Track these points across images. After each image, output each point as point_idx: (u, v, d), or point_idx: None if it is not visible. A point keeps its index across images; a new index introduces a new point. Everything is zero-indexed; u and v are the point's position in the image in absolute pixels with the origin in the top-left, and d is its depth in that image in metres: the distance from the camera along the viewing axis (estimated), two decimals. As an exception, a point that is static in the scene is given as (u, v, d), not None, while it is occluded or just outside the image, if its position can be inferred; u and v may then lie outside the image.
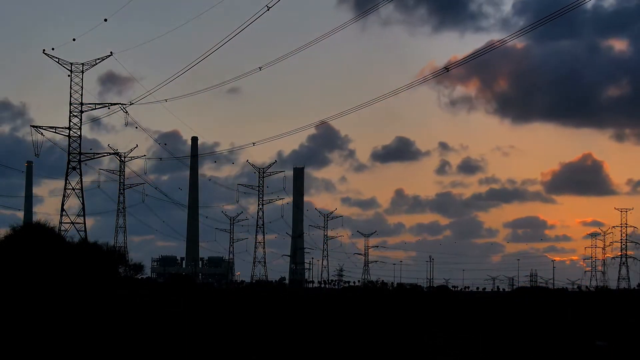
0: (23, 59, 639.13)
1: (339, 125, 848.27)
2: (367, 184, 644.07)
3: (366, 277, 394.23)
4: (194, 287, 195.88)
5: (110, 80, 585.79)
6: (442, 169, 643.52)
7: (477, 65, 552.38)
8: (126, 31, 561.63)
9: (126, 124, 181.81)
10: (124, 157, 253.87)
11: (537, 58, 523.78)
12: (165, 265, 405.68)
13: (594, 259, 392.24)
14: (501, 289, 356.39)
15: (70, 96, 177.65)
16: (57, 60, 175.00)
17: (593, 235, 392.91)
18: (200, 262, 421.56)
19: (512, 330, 75.02)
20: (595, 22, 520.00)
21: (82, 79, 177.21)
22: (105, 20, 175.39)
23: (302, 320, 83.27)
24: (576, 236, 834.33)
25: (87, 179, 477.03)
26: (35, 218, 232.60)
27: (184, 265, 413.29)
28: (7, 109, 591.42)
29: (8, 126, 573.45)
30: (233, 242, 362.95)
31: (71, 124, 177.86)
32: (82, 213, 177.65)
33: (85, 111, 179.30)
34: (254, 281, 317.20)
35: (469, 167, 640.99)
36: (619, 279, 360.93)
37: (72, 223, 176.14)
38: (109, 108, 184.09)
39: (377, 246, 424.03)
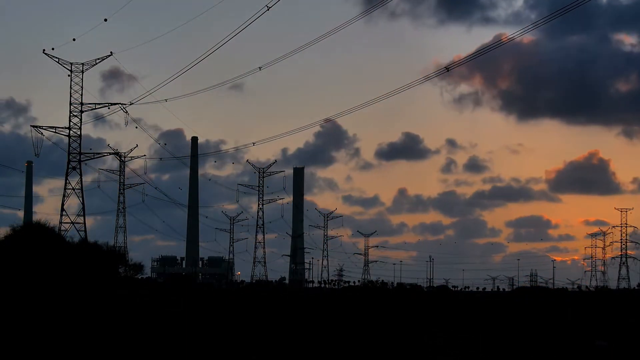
0: (24, 58, 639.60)
1: (343, 122, 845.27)
2: (370, 182, 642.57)
3: (366, 277, 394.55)
4: (194, 287, 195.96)
5: (110, 80, 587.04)
6: (446, 167, 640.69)
7: (483, 60, 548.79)
8: (126, 31, 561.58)
9: (126, 124, 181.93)
10: (124, 157, 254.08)
11: (544, 53, 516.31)
12: (165, 265, 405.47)
13: (594, 259, 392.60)
14: (501, 289, 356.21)
15: (70, 96, 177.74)
16: (57, 60, 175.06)
17: (593, 235, 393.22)
18: (200, 262, 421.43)
19: (512, 330, 74.99)
20: (603, 16, 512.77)
21: (82, 79, 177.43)
22: (105, 20, 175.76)
23: (302, 320, 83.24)
24: (580, 236, 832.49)
25: (87, 179, 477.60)
26: (35, 218, 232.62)
27: (184, 265, 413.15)
28: (7, 109, 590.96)
29: (9, 125, 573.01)
30: (233, 242, 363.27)
31: (71, 123, 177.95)
32: (82, 213, 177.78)
33: (86, 111, 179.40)
34: (254, 281, 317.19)
35: (473, 165, 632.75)
36: (619, 279, 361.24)
37: (72, 223, 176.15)
38: (109, 108, 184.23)
39: (377, 246, 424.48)
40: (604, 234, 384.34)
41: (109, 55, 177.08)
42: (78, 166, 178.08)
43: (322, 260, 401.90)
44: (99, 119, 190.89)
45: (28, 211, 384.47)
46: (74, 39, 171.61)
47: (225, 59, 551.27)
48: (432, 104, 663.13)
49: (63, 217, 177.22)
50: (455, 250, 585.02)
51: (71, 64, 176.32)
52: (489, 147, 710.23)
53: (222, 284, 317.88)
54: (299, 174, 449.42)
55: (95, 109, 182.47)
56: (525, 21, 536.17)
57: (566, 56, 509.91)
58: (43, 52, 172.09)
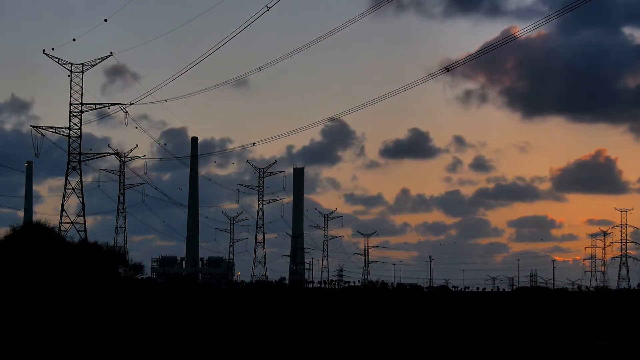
0: (24, 58, 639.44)
1: (347, 120, 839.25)
2: (373, 181, 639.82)
3: (366, 277, 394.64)
4: (194, 288, 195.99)
5: (110, 80, 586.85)
6: (449, 165, 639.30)
7: (487, 57, 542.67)
8: (126, 31, 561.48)
9: (126, 124, 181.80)
10: (124, 157, 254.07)
11: (549, 49, 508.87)
12: (165, 266, 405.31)
13: (596, 259, 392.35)
14: (501, 289, 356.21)
15: (70, 96, 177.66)
16: (57, 60, 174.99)
17: (593, 235, 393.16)
18: (200, 262, 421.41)
19: (512, 330, 74.99)
20: (610, 11, 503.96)
21: (82, 79, 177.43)
22: (106, 20, 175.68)
23: (302, 320, 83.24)
24: (583, 235, 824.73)
25: (87, 179, 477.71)
26: (35, 218, 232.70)
27: (184, 266, 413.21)
28: (8, 108, 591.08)
29: (10, 125, 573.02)
30: (233, 242, 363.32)
31: (71, 124, 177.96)
32: (82, 213, 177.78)
33: (86, 111, 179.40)
34: (254, 281, 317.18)
35: (476, 164, 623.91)
36: (619, 279, 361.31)
37: (72, 223, 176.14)
38: (109, 108, 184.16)
39: (377, 246, 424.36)
40: (605, 234, 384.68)
41: (109, 56, 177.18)
42: (78, 166, 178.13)
43: (322, 260, 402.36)
44: (104, 117, 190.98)
45: (28, 211, 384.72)
46: (74, 39, 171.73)
47: (227, 58, 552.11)
48: (436, 101, 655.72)
49: (63, 217, 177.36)
50: (456, 250, 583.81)
51: (71, 64, 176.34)
52: (495, 145, 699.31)
53: (222, 284, 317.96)
54: (299, 174, 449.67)
55: (95, 109, 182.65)
56: (533, 15, 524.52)
57: (573, 52, 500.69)
58: (43, 52, 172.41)
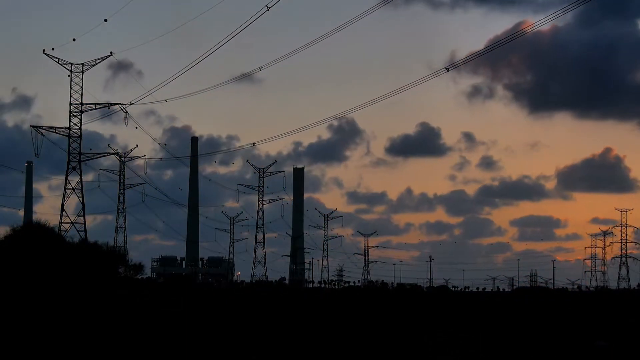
0: (24, 58, 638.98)
1: (351, 117, 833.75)
2: (378, 179, 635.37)
3: (366, 277, 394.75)
4: (194, 287, 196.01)
5: (110, 80, 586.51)
6: (455, 164, 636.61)
7: (494, 53, 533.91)
8: (126, 31, 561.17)
9: (126, 124, 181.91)
10: (124, 157, 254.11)
11: (558, 45, 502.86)
12: (165, 266, 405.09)
13: (597, 259, 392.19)
14: (501, 289, 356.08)
15: (70, 96, 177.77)
16: (57, 60, 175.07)
17: (594, 235, 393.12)
18: (200, 262, 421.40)
19: (512, 330, 74.98)
20: (621, 6, 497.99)
21: (82, 79, 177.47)
22: (106, 20, 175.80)
23: (302, 320, 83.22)
24: (587, 235, 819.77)
25: (88, 178, 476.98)
26: (35, 217, 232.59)
27: (184, 266, 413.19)
28: (8, 108, 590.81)
29: (10, 125, 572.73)
30: (233, 242, 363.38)
31: (71, 123, 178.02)
32: (82, 213, 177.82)
33: (86, 111, 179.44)
34: (254, 281, 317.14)
35: (483, 163, 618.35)
36: (619, 279, 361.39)
37: (72, 223, 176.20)
38: (109, 108, 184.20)
39: (377, 246, 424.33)
40: (605, 233, 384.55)
41: (109, 56, 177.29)
42: (78, 166, 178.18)
43: (322, 260, 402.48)
44: (106, 115, 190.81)
45: (28, 211, 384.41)
46: (74, 39, 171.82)
47: (228, 57, 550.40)
48: (437, 100, 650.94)
49: (63, 217, 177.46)
50: (456, 250, 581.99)
51: (71, 64, 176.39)
52: (503, 143, 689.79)
53: (222, 284, 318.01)
54: (299, 174, 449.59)
55: (95, 109, 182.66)
56: (543, 8, 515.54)
57: (582, 47, 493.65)
58: (43, 52, 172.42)
